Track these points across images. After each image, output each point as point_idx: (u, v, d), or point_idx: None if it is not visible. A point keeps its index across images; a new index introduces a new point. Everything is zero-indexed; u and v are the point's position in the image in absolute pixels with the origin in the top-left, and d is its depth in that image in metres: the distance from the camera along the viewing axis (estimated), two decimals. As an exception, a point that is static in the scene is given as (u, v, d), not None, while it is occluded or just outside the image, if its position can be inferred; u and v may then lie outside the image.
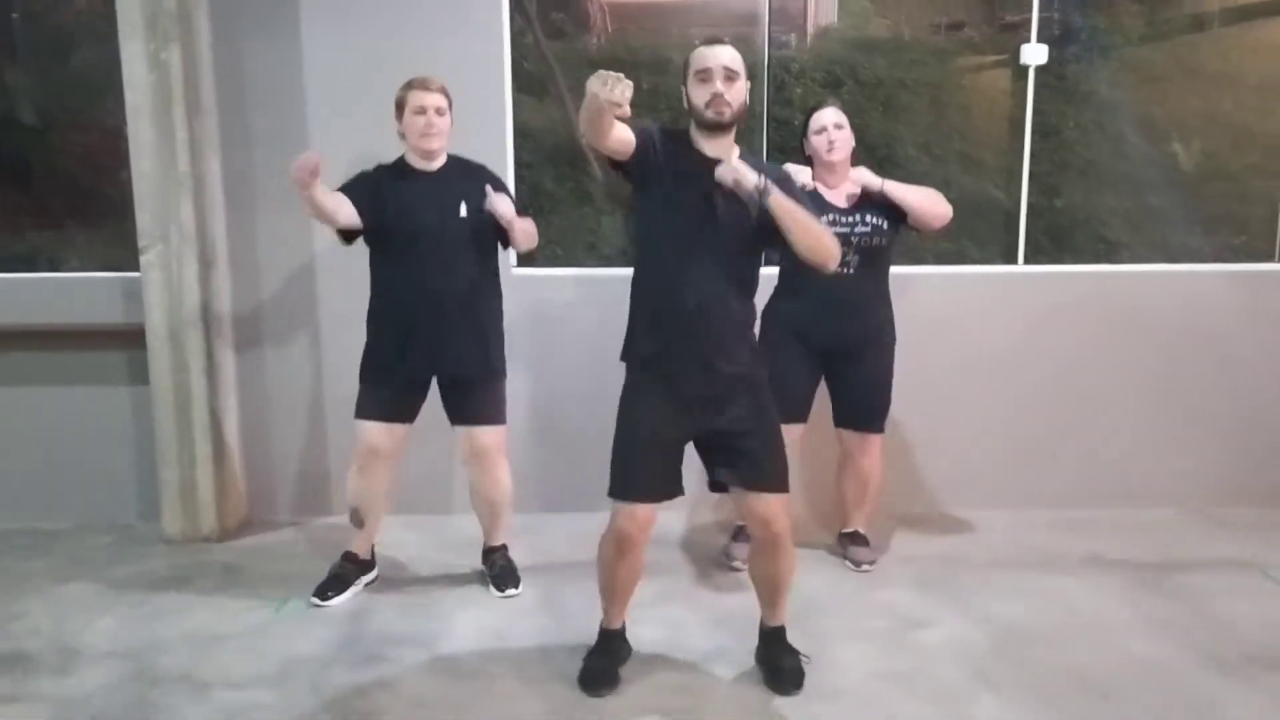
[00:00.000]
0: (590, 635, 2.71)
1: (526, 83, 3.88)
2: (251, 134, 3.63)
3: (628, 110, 2.16)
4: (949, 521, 3.78)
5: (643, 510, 2.45)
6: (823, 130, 3.17)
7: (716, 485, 2.55)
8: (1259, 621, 2.93)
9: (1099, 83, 4.03)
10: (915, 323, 3.47)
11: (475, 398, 3.08)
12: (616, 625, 2.69)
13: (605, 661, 2.64)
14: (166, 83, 3.39)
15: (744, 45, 4.02)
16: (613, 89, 2.10)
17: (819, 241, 2.39)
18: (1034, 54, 3.80)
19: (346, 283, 3.65)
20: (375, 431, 3.04)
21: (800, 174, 3.05)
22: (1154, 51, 4.09)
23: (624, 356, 2.53)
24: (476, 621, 2.94)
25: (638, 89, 3.62)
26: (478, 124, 3.55)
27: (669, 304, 2.42)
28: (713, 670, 2.67)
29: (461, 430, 3.10)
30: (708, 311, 2.41)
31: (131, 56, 3.38)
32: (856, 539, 3.42)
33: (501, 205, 2.98)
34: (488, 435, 3.09)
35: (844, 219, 3.14)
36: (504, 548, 3.29)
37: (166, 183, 3.43)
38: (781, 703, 2.51)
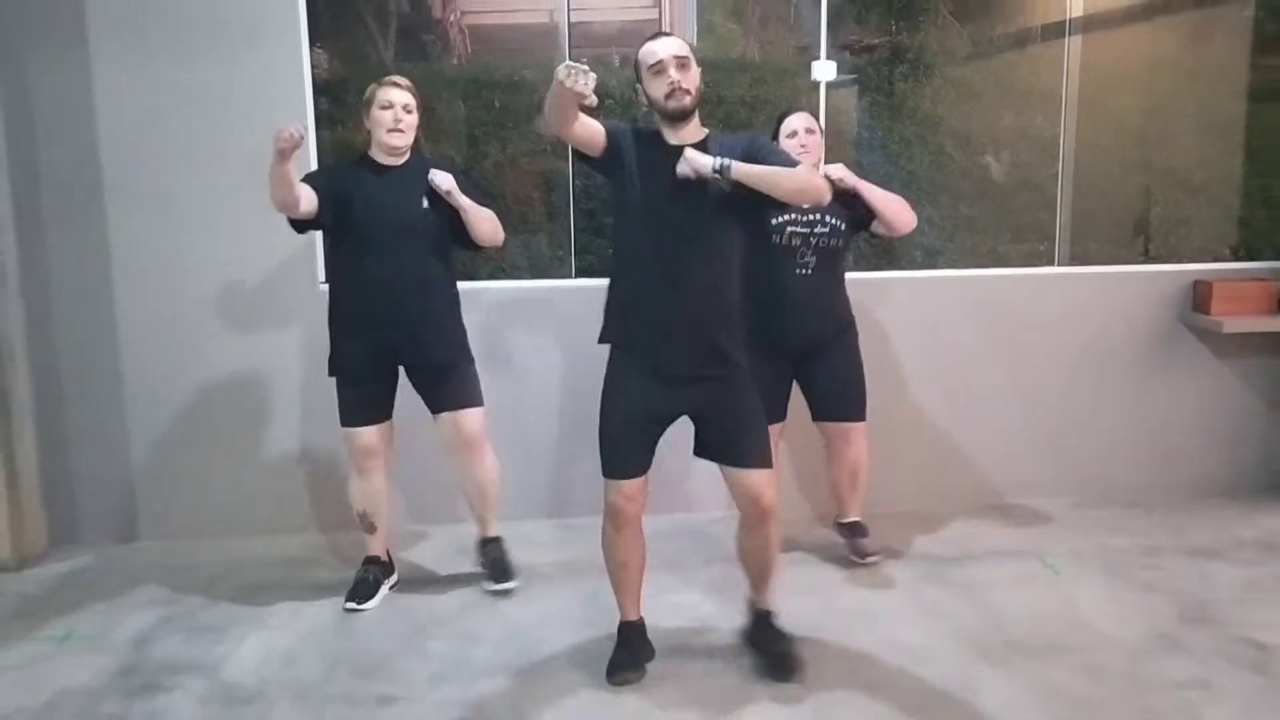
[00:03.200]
0: (382, 658, 2.75)
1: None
2: (38, 152, 3.53)
3: (593, 99, 2.24)
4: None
5: (629, 484, 2.53)
6: (794, 134, 3.20)
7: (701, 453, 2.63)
8: (1027, 609, 3.11)
9: (922, 99, 4.21)
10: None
11: (449, 383, 3.12)
12: (632, 617, 2.74)
13: (629, 654, 2.69)
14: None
15: (601, 67, 4.13)
16: (576, 79, 2.16)
17: (797, 183, 2.44)
18: (823, 70, 3.94)
19: (145, 300, 3.65)
20: (365, 435, 3.10)
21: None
22: (975, 70, 4.28)
23: (605, 339, 2.59)
24: (265, 646, 2.91)
25: (494, 108, 3.68)
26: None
27: (649, 289, 2.49)
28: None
29: (445, 417, 3.14)
30: (687, 293, 2.47)
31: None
32: (857, 530, 3.47)
33: (441, 179, 3.01)
34: (470, 418, 3.14)
35: (803, 218, 3.16)
36: (499, 539, 3.32)
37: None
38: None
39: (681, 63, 2.45)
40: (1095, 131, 4.22)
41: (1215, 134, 4.28)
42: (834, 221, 3.21)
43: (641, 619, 2.77)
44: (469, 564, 3.44)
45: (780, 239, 3.21)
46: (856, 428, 3.39)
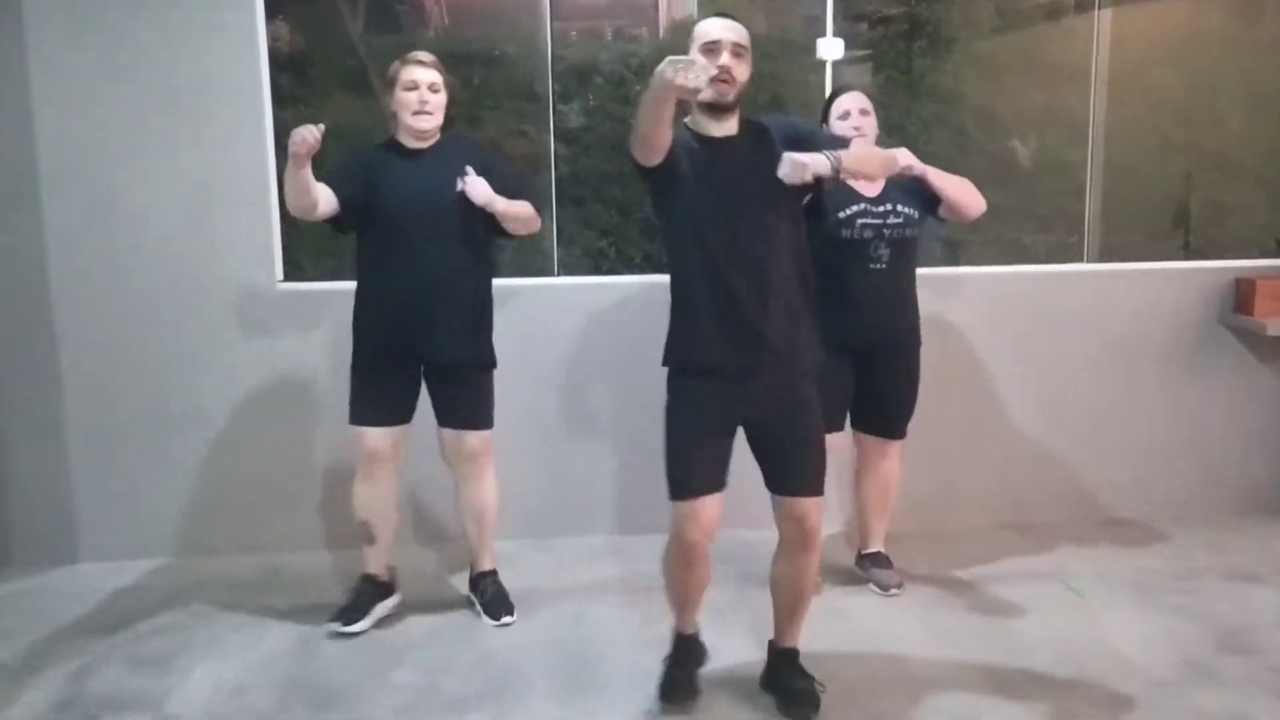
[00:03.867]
0: (343, 689, 2.56)
1: (350, 80, 3.69)
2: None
3: (707, 92, 2.14)
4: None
5: (706, 514, 2.35)
6: (847, 115, 2.99)
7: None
8: (1045, 634, 2.88)
9: (942, 75, 3.96)
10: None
11: (461, 397, 2.96)
12: (689, 630, 2.61)
13: (683, 671, 2.57)
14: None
15: (592, 39, 3.94)
16: (687, 74, 1.97)
17: (881, 163, 2.43)
18: (830, 49, 3.69)
19: (85, 303, 3.41)
20: (374, 437, 2.92)
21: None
22: (1000, 44, 4.03)
23: (672, 361, 2.42)
24: (215, 676, 2.70)
25: (472, 85, 3.45)
26: (234, 136, 3.37)
27: (712, 301, 2.32)
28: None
29: (448, 433, 2.98)
30: (756, 302, 2.31)
31: None
32: (879, 560, 3.25)
33: (476, 190, 2.83)
34: (475, 440, 2.99)
35: (875, 209, 2.94)
36: (494, 572, 3.13)
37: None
38: None
39: (738, 50, 2.28)
40: (1129, 111, 3.95)
41: (1262, 113, 3.97)
42: (907, 210, 2.97)
43: (697, 629, 2.62)
44: (442, 586, 3.25)
45: (851, 233, 2.96)
46: (896, 444, 3.18)
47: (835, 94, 3.09)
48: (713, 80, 2.20)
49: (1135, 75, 3.93)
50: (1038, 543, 3.61)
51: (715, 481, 2.36)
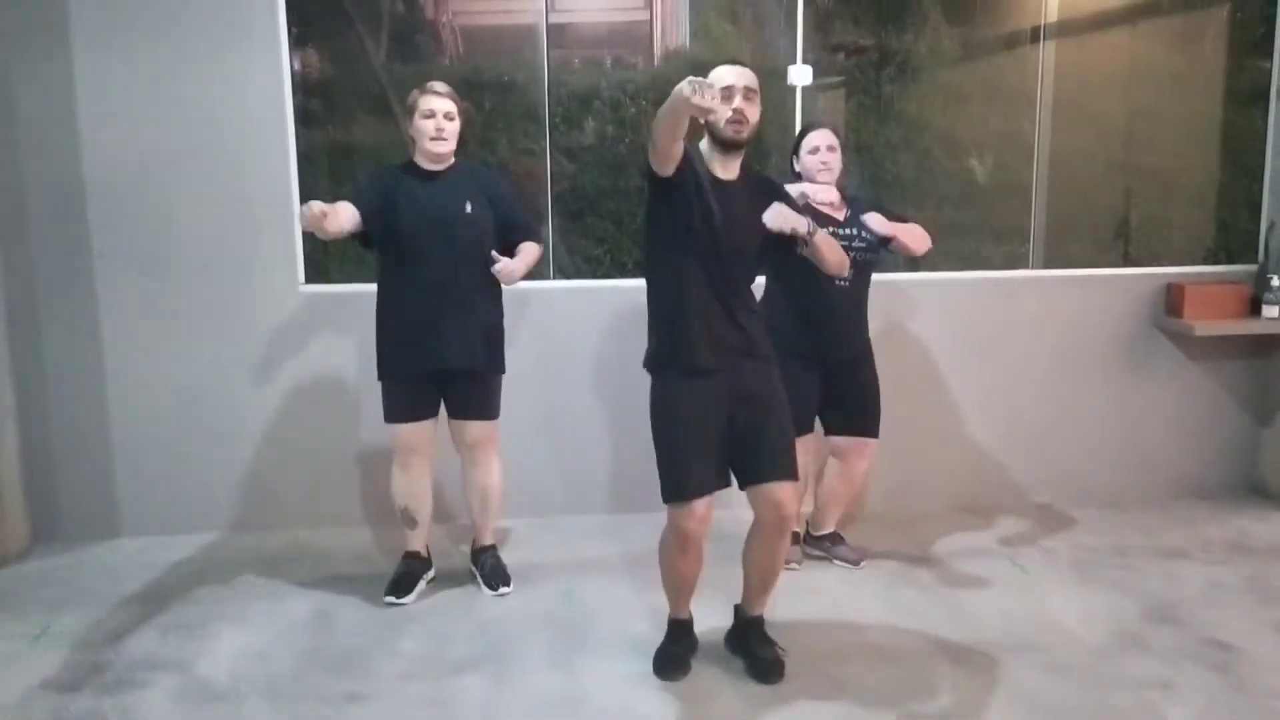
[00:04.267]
0: (354, 655, 2.82)
1: (372, 104, 3.97)
2: (20, 155, 3.58)
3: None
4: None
5: (700, 506, 2.55)
6: (816, 151, 3.26)
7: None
8: (994, 607, 3.15)
9: (908, 102, 4.22)
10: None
11: (472, 394, 3.20)
12: (683, 616, 2.82)
13: (678, 649, 2.79)
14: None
15: (594, 68, 4.16)
16: (704, 94, 2.17)
17: (838, 257, 2.70)
18: (799, 75, 3.95)
19: (127, 298, 3.70)
20: (408, 432, 3.18)
21: (796, 190, 3.15)
22: (960, 73, 4.28)
23: (652, 365, 2.65)
24: (240, 643, 2.94)
25: (483, 109, 3.71)
26: (261, 155, 3.68)
27: (700, 311, 2.56)
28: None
29: (456, 423, 3.24)
30: (735, 314, 2.59)
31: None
32: (837, 539, 3.55)
33: (505, 274, 3.12)
34: (480, 428, 3.23)
35: (843, 231, 3.22)
36: (493, 547, 3.40)
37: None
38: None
39: (749, 94, 2.54)
40: (1071, 134, 4.24)
41: (1193, 137, 4.30)
42: (868, 236, 3.27)
43: (690, 616, 2.84)
44: (445, 561, 3.49)
45: None
46: (872, 443, 3.44)
47: (805, 130, 3.36)
48: (729, 122, 2.51)
49: (1077, 101, 4.23)
50: (989, 525, 3.91)
51: (711, 482, 2.58)
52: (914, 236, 3.29)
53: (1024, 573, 3.44)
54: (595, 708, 2.59)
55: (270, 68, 3.65)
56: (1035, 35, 4.15)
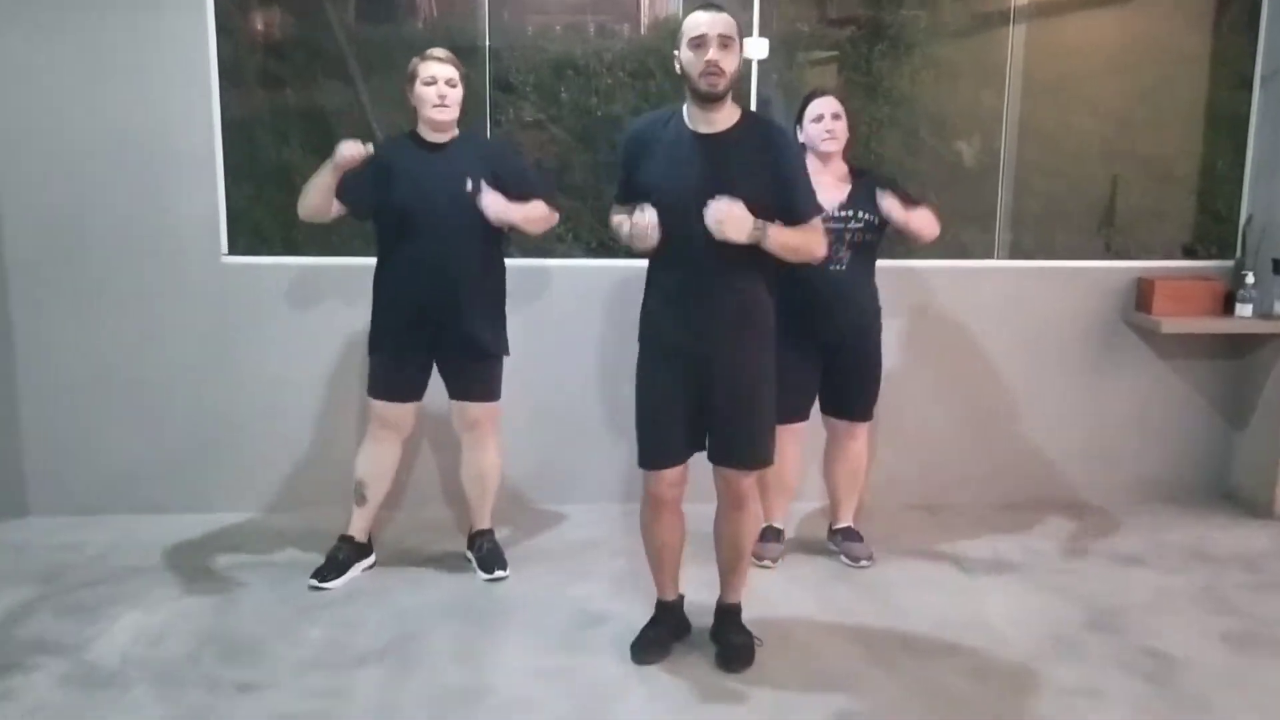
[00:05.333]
0: (254, 642, 2.74)
1: (330, 66, 3.83)
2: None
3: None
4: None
5: (670, 474, 2.55)
6: (820, 119, 3.13)
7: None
8: (929, 608, 3.04)
9: (899, 79, 4.08)
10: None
11: (472, 374, 3.14)
12: (670, 597, 2.77)
13: (657, 632, 2.73)
14: None
15: (576, 34, 4.04)
16: (646, 240, 2.43)
17: (807, 254, 2.53)
18: (755, 48, 3.78)
19: (37, 268, 3.57)
20: (383, 408, 3.13)
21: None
22: (957, 48, 4.12)
23: (640, 337, 2.61)
24: (137, 627, 2.86)
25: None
26: (183, 119, 3.55)
27: (670, 283, 2.51)
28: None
29: (456, 404, 3.18)
30: (714, 287, 2.47)
31: None
32: (850, 535, 3.44)
33: (491, 206, 2.95)
34: (479, 409, 3.17)
35: (838, 214, 3.11)
36: (490, 531, 3.33)
37: None
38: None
39: (725, 42, 2.38)
40: (1045, 118, 4.07)
41: (1176, 124, 4.12)
42: (867, 216, 3.15)
43: (680, 597, 2.80)
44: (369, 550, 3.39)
45: None
46: (863, 425, 3.36)
47: (810, 97, 3.22)
48: (702, 74, 2.37)
49: (1050, 85, 4.06)
50: (942, 523, 3.79)
51: (680, 452, 2.57)
52: (926, 222, 3.15)
53: (967, 574, 3.32)
54: (498, 701, 2.50)
55: (192, 26, 3.51)
56: (1005, 17, 3.99)
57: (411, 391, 3.15)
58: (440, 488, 3.82)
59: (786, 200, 2.49)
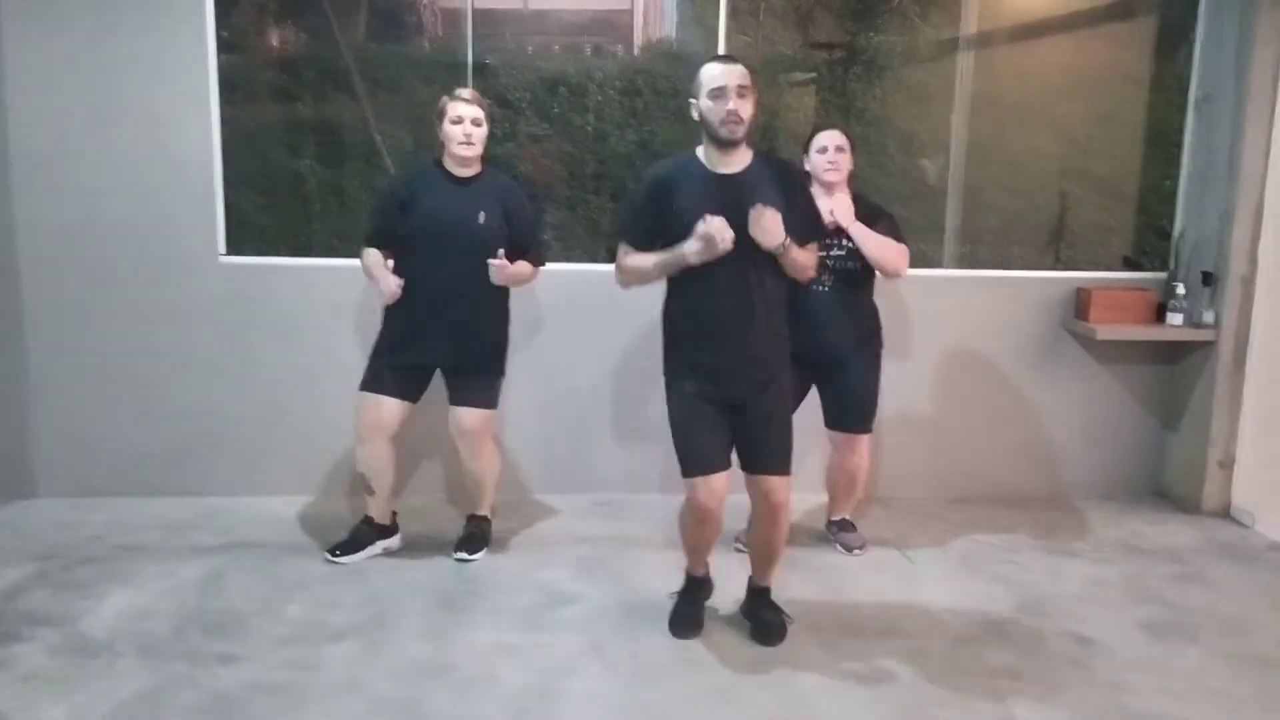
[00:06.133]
0: (236, 619, 2.92)
1: (342, 80, 4.06)
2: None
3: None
4: (617, 505, 4.02)
5: (717, 480, 2.69)
6: (824, 150, 3.32)
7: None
8: (872, 594, 3.23)
9: (870, 100, 4.29)
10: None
11: (470, 385, 3.35)
12: (699, 573, 2.99)
13: (690, 607, 2.95)
14: None
15: (572, 55, 4.22)
16: (722, 244, 2.54)
17: (807, 272, 2.76)
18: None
19: (48, 262, 3.78)
20: (377, 407, 3.29)
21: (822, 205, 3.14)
22: (928, 72, 4.34)
23: (667, 372, 2.78)
24: (126, 602, 3.03)
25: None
26: (183, 125, 3.76)
27: (708, 325, 2.68)
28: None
29: (453, 410, 3.37)
30: (742, 326, 2.66)
31: None
32: (845, 526, 3.66)
33: (494, 275, 3.24)
34: (473, 416, 3.35)
35: (823, 242, 3.25)
36: (485, 518, 3.54)
37: None
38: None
39: (742, 91, 2.57)
40: (991, 136, 4.29)
41: (1120, 143, 4.35)
42: (851, 245, 3.33)
43: (706, 572, 2.99)
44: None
45: None
46: (862, 438, 3.54)
47: (815, 130, 3.42)
48: (723, 122, 2.58)
49: (999, 105, 4.31)
50: (892, 516, 3.99)
51: (720, 456, 2.72)
52: (880, 253, 3.30)
53: (911, 563, 3.52)
54: (462, 676, 2.67)
55: (193, 35, 3.72)
56: (955, 44, 4.21)
57: (406, 395, 3.33)
58: (425, 477, 4.04)
59: (799, 226, 2.69)
